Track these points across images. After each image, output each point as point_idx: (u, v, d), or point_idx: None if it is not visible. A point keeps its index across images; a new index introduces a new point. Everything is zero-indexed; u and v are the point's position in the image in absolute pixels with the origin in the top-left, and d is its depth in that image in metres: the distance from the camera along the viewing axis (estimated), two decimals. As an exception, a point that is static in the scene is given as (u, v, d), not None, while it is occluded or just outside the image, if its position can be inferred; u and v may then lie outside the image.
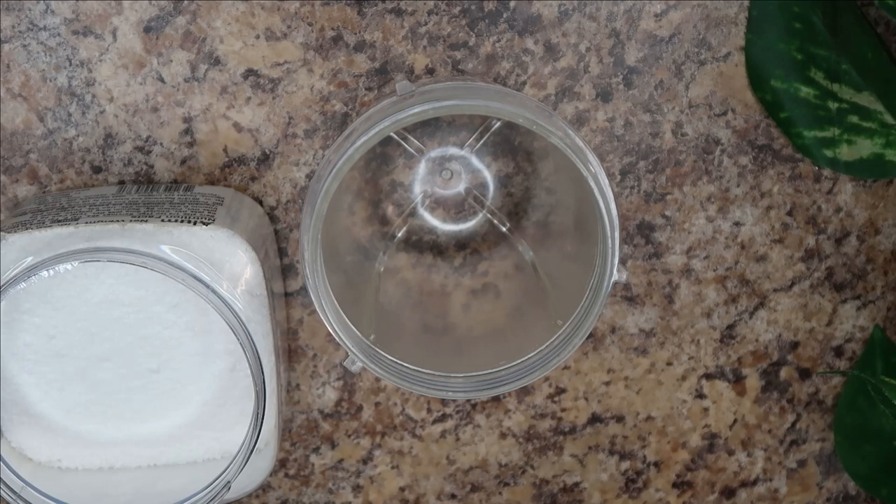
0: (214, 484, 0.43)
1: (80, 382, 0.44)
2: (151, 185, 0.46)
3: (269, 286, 0.44)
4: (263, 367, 0.42)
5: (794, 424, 0.54)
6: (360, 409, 0.52)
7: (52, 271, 0.40)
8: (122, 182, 0.47)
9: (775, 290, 0.52)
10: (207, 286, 0.41)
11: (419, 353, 0.44)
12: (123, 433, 0.45)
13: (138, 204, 0.43)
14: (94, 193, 0.45)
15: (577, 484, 0.54)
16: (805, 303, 0.52)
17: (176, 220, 0.42)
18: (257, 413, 0.42)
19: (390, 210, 0.49)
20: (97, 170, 0.47)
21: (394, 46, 0.46)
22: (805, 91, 0.48)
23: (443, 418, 0.52)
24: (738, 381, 0.53)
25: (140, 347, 0.43)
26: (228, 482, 0.42)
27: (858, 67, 0.47)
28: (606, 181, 0.40)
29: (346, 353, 0.42)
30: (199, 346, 0.43)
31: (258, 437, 0.42)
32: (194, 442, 0.45)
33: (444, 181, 0.48)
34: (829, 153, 0.49)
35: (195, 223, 0.42)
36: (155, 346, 0.43)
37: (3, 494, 0.42)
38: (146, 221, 0.42)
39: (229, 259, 0.42)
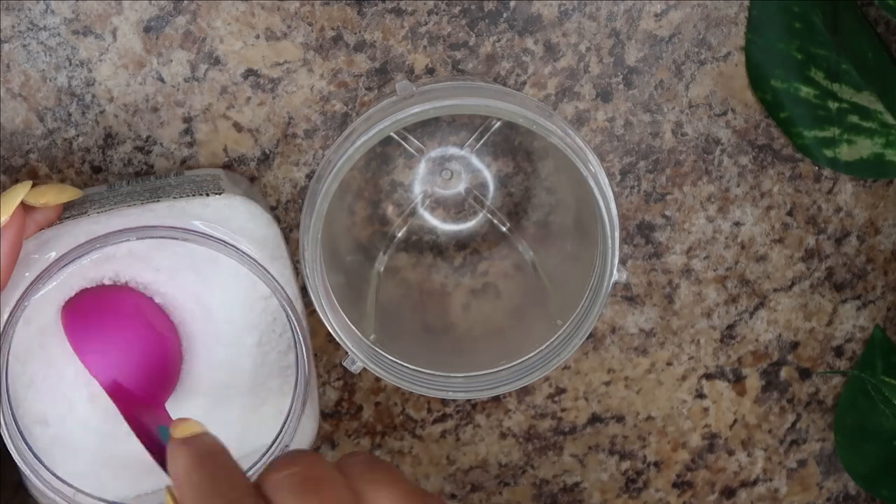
0: (273, 447, 0.42)
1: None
2: (141, 177, 0.46)
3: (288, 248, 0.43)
4: (300, 319, 0.41)
5: (794, 424, 0.54)
6: (360, 409, 0.52)
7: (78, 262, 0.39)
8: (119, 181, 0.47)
9: (775, 290, 0.52)
10: (245, 254, 0.40)
11: (419, 353, 0.44)
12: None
13: (139, 192, 0.43)
14: (89, 192, 0.44)
15: (577, 484, 0.54)
16: (805, 303, 0.52)
17: (188, 195, 0.41)
18: (300, 368, 0.41)
19: (390, 210, 0.49)
20: (97, 170, 0.47)
21: (394, 46, 0.46)
22: (805, 91, 0.48)
23: (443, 418, 0.52)
24: (738, 381, 0.53)
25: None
26: (286, 445, 0.42)
27: (858, 67, 0.47)
28: (606, 181, 0.40)
29: (346, 353, 0.42)
30: (220, 333, 0.43)
31: (305, 391, 0.41)
32: (233, 421, 0.44)
33: (444, 181, 0.48)
34: (829, 153, 0.49)
35: (208, 194, 0.41)
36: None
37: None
38: (158, 201, 0.41)
39: (248, 224, 0.41)
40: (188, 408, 0.43)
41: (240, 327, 0.43)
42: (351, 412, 0.52)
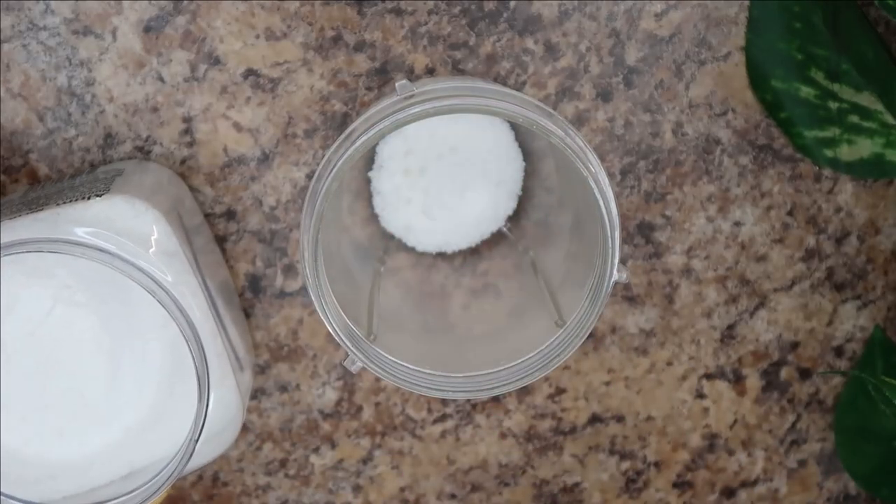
0: (180, 449, 0.41)
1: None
2: (60, 177, 0.45)
3: (189, 239, 0.42)
4: (195, 322, 0.40)
5: (794, 424, 0.54)
6: (360, 409, 0.52)
7: None
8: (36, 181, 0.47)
9: (775, 290, 0.52)
10: (113, 255, 0.39)
11: (419, 353, 0.44)
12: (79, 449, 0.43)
13: (39, 197, 0.42)
14: (5, 200, 0.43)
15: (577, 484, 0.54)
16: (805, 303, 0.52)
17: (70, 201, 0.40)
18: (196, 360, 0.40)
19: (390, 210, 0.49)
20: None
21: (394, 46, 0.46)
22: (805, 91, 0.48)
23: (443, 418, 0.52)
24: (738, 381, 0.53)
25: (77, 352, 0.42)
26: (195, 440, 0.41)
27: (859, 67, 0.47)
28: (606, 181, 0.40)
29: (346, 353, 0.42)
30: (133, 333, 0.42)
31: (208, 380, 0.40)
32: (151, 437, 0.43)
33: (444, 181, 0.48)
34: (829, 153, 0.49)
35: (89, 198, 0.40)
36: (87, 349, 0.41)
37: None
38: (42, 210, 0.40)
39: (132, 222, 0.40)
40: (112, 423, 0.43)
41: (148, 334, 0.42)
42: (351, 412, 0.52)
